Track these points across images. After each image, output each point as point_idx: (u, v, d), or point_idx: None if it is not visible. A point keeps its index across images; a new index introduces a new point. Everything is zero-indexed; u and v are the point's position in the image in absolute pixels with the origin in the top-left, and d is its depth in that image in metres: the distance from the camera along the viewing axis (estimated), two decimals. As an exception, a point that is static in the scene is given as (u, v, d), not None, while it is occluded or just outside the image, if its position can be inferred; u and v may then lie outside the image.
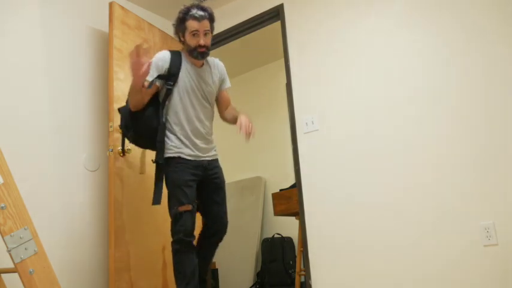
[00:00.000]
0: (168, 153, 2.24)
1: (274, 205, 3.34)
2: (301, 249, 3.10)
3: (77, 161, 2.69)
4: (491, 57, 2.28)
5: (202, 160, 2.30)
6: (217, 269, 4.17)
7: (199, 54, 2.28)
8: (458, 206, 2.26)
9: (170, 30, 3.49)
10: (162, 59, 2.29)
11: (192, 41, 2.27)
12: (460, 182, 2.28)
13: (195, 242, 2.26)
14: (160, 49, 3.20)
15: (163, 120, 2.27)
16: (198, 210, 2.32)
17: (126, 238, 2.57)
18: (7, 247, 1.40)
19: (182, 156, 2.24)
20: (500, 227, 2.14)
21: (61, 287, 1.56)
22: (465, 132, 2.30)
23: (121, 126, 2.41)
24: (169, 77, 2.26)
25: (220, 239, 2.39)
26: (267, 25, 3.34)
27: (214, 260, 4.20)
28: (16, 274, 1.43)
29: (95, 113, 2.86)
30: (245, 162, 4.88)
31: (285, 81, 3.13)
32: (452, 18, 2.43)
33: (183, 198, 2.18)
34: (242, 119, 2.26)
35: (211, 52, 2.41)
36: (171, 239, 2.23)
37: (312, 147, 2.82)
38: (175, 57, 2.32)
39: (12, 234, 1.41)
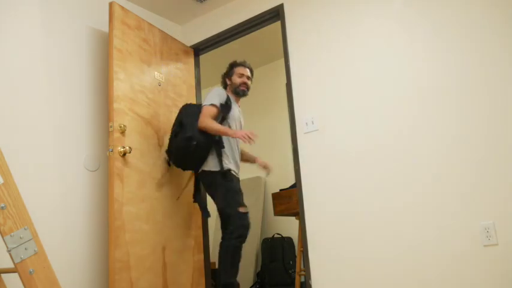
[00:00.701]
0: (225, 166, 2.79)
1: (274, 205, 3.34)
2: (301, 249, 3.10)
3: (77, 161, 2.69)
4: (492, 57, 2.28)
5: (237, 177, 2.91)
6: (217, 269, 4.17)
7: (241, 91, 3.02)
8: (458, 206, 2.26)
9: (170, 31, 3.51)
10: (222, 93, 2.96)
11: (237, 80, 3.03)
12: (460, 182, 2.28)
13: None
14: (160, 49, 3.22)
15: (217, 138, 2.84)
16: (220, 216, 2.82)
17: (126, 238, 2.57)
18: (7, 247, 1.40)
19: (232, 171, 2.83)
20: (500, 227, 2.14)
21: (61, 287, 1.55)
22: (465, 132, 2.30)
23: (183, 137, 2.79)
24: (227, 107, 2.90)
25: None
26: (267, 25, 3.34)
27: (214, 260, 4.21)
28: (16, 274, 1.43)
29: (95, 113, 2.86)
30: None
31: (285, 81, 3.14)
32: (452, 18, 2.43)
33: (242, 201, 2.73)
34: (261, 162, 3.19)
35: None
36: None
37: (312, 147, 2.82)
38: (228, 97, 2.97)
39: (12, 234, 1.41)
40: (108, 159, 2.67)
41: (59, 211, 2.52)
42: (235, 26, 3.40)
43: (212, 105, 2.82)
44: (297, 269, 3.29)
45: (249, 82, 3.06)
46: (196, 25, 3.72)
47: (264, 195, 4.68)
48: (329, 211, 2.68)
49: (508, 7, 2.27)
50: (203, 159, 2.82)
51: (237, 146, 2.96)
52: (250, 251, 4.40)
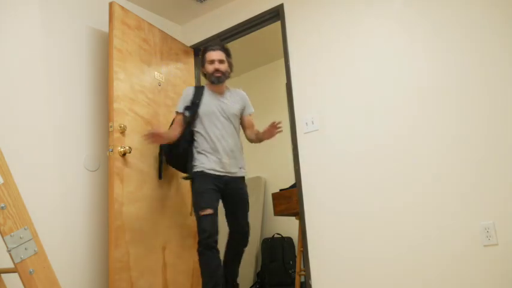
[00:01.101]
0: (194, 169, 2.63)
1: (274, 205, 3.34)
2: (301, 249, 3.10)
3: (77, 161, 2.69)
4: (492, 57, 2.28)
5: (225, 175, 2.63)
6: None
7: (215, 78, 2.73)
8: (458, 206, 2.26)
9: (170, 31, 3.51)
10: (186, 93, 2.80)
11: (209, 68, 2.74)
12: (460, 182, 2.28)
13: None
14: (160, 49, 3.22)
15: (187, 143, 2.71)
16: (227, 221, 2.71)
17: (126, 238, 2.57)
18: (7, 247, 1.40)
19: (205, 170, 2.60)
20: (500, 227, 2.14)
21: (61, 287, 1.55)
22: (465, 132, 2.30)
23: (163, 154, 2.90)
24: (193, 106, 2.70)
25: (241, 247, 2.74)
26: (267, 25, 3.34)
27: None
28: (16, 274, 1.43)
29: (95, 113, 2.86)
30: (245, 162, 4.87)
31: (285, 81, 3.14)
32: (452, 18, 2.43)
33: (203, 203, 2.51)
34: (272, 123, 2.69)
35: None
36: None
37: (312, 147, 2.82)
38: (199, 90, 2.79)
39: (12, 234, 1.41)
40: (108, 159, 2.67)
41: (59, 211, 2.52)
42: (235, 26, 3.40)
43: (176, 113, 2.78)
44: (297, 269, 3.28)
45: (222, 66, 2.74)
46: (196, 25, 3.72)
47: (264, 195, 4.67)
48: (329, 211, 2.68)
49: (508, 7, 2.27)
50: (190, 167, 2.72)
51: (224, 138, 2.69)
52: (250, 251, 4.39)
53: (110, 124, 2.67)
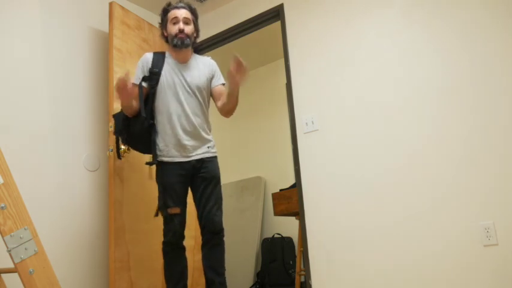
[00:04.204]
0: (156, 157, 2.28)
1: (274, 205, 3.34)
2: (301, 249, 3.10)
3: (77, 161, 2.69)
4: (492, 56, 2.28)
5: (190, 160, 2.28)
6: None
7: (179, 40, 2.31)
8: (459, 206, 2.26)
9: (170, 30, 3.51)
10: (143, 60, 2.36)
11: (172, 29, 2.33)
12: (460, 182, 2.28)
13: (188, 243, 2.28)
14: (160, 49, 3.21)
15: (152, 121, 2.30)
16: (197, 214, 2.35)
17: (126, 238, 2.57)
18: (7, 247, 1.40)
19: (165, 160, 2.27)
20: (500, 227, 2.14)
21: (61, 287, 1.55)
22: (466, 132, 2.30)
23: (115, 132, 2.44)
24: (152, 76, 2.29)
25: (216, 240, 2.29)
26: (267, 25, 3.34)
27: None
28: (16, 274, 1.43)
29: (95, 113, 2.86)
30: (245, 162, 4.88)
31: (285, 81, 3.14)
32: (452, 18, 2.43)
33: (170, 202, 2.22)
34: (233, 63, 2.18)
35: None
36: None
37: (312, 147, 2.82)
38: (158, 57, 2.35)
39: (12, 234, 1.41)
40: (108, 159, 2.67)
41: (59, 211, 2.52)
42: (235, 26, 3.40)
43: (133, 84, 2.26)
44: (297, 269, 3.29)
45: (187, 27, 2.33)
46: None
47: (264, 195, 4.68)
48: (329, 211, 2.68)
49: (508, 6, 2.27)
50: (149, 147, 2.32)
51: (186, 116, 2.28)
52: (250, 251, 4.40)
53: (110, 124, 2.67)
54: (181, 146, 2.27)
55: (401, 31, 2.59)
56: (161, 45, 3.22)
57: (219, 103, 2.41)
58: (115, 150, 2.59)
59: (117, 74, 2.75)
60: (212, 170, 2.33)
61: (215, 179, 2.34)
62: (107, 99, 2.82)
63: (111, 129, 2.65)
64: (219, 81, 2.47)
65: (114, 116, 2.44)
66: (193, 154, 2.29)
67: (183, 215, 2.26)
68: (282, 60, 3.10)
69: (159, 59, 2.34)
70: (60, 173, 2.58)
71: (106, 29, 2.91)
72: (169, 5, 2.40)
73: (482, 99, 2.28)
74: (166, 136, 2.27)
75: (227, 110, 2.39)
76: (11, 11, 2.52)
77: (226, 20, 3.47)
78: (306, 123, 2.87)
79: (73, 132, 2.70)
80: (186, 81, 2.32)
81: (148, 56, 2.36)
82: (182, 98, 2.29)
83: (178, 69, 2.34)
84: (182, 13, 2.35)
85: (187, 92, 2.31)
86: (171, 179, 2.23)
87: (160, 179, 2.27)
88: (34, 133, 2.49)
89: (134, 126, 2.32)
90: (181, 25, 2.32)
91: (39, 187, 2.44)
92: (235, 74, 2.16)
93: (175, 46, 2.33)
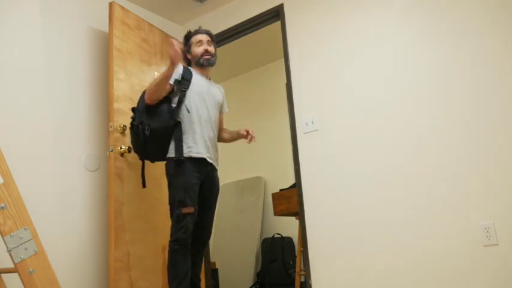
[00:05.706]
0: (177, 154, 2.33)
1: (274, 205, 3.34)
2: (301, 249, 3.10)
3: (77, 161, 2.69)
4: (492, 56, 2.28)
5: (212, 163, 2.45)
6: (217, 269, 4.18)
7: (205, 60, 2.54)
8: (459, 206, 2.26)
9: (170, 31, 3.51)
10: (176, 68, 2.44)
11: (198, 50, 2.55)
12: (460, 182, 2.28)
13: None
14: (160, 49, 3.22)
15: (178, 119, 2.40)
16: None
17: (126, 238, 2.57)
18: (7, 247, 1.40)
19: (193, 155, 2.34)
20: (500, 227, 2.14)
21: (61, 287, 1.55)
22: (466, 132, 2.30)
23: (133, 125, 2.43)
24: (184, 82, 2.44)
25: (202, 248, 2.53)
26: (267, 25, 3.34)
27: (214, 260, 4.21)
28: (16, 274, 1.43)
29: (95, 113, 2.86)
30: (245, 162, 4.88)
31: (285, 81, 3.14)
32: (452, 18, 2.43)
33: (188, 201, 2.29)
34: (247, 128, 2.60)
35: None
36: (169, 239, 2.32)
37: (312, 147, 2.82)
38: (187, 69, 2.52)
39: (12, 234, 1.42)
40: (108, 159, 2.67)
41: (59, 211, 2.52)
42: (235, 26, 3.40)
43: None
44: (297, 269, 3.29)
45: (211, 48, 2.58)
46: (196, 25, 3.68)
47: (264, 195, 4.68)
48: (329, 211, 2.68)
49: (508, 6, 2.27)
50: (166, 146, 2.40)
51: (210, 123, 2.47)
52: (250, 251, 4.40)
53: (110, 124, 2.67)
54: (207, 147, 2.42)
55: (402, 31, 2.59)
56: (161, 46, 3.22)
57: (219, 132, 2.68)
58: (119, 146, 2.62)
59: (117, 74, 2.75)
60: (217, 182, 2.55)
61: (218, 191, 2.56)
62: (107, 99, 2.82)
63: (111, 129, 2.66)
64: (225, 109, 2.74)
65: (134, 108, 2.48)
66: (211, 161, 2.45)
67: (195, 215, 2.34)
68: (282, 60, 3.10)
69: (187, 70, 2.51)
70: (60, 173, 2.58)
71: (106, 29, 2.91)
72: (189, 32, 2.66)
73: (482, 99, 2.28)
74: (196, 135, 2.39)
75: (222, 140, 2.74)
76: (11, 11, 2.52)
77: (226, 20, 3.47)
78: (306, 123, 2.87)
79: (73, 132, 2.70)
80: (211, 93, 2.53)
81: (180, 66, 2.49)
82: (209, 106, 2.49)
83: (205, 82, 2.55)
84: (204, 37, 2.59)
85: (213, 102, 2.53)
86: (192, 179, 2.33)
87: (181, 177, 2.32)
88: (34, 133, 2.49)
89: (157, 117, 2.39)
90: (205, 46, 2.55)
91: (39, 187, 2.44)
92: (246, 136, 2.58)
93: (201, 65, 2.55)
